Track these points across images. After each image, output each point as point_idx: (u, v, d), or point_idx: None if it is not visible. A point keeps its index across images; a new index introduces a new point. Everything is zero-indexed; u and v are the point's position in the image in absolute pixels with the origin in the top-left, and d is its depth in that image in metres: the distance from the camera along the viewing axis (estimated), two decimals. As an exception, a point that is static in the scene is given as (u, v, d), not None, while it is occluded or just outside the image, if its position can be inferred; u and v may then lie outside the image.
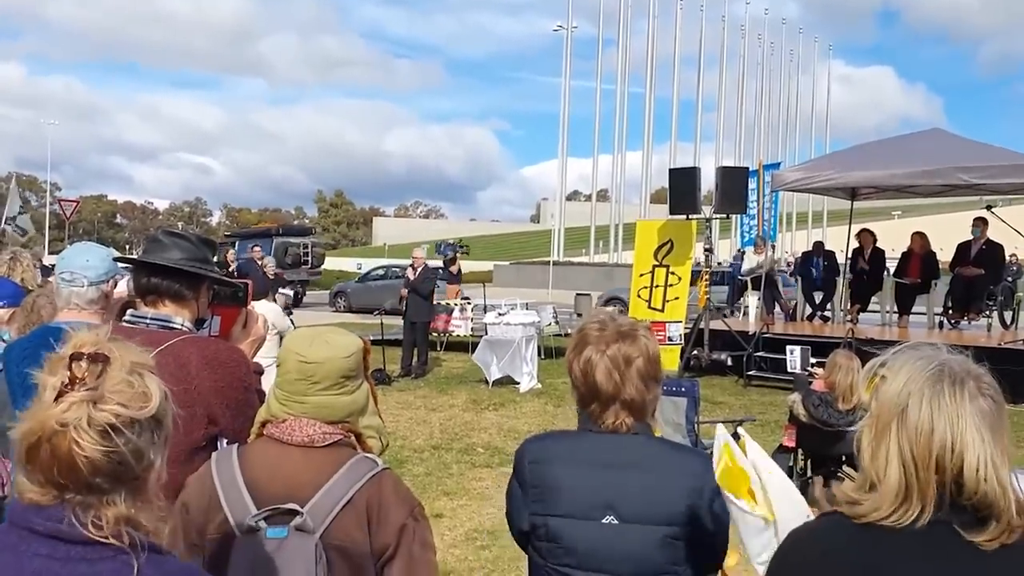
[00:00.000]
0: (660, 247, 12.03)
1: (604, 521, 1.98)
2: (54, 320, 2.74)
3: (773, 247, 16.62)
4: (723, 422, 8.30)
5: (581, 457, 2.03)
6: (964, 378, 1.38)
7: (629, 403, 2.02)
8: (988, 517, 1.33)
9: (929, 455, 1.34)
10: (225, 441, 2.28)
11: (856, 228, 14.42)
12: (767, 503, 1.91)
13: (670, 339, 11.66)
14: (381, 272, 28.37)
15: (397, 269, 27.79)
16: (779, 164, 16.44)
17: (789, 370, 7.91)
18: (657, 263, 11.98)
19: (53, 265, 3.06)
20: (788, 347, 8.07)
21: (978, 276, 12.70)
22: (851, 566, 1.39)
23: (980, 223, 12.92)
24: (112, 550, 1.25)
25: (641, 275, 12.25)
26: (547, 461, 2.06)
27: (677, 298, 11.96)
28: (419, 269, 12.60)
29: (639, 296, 12.09)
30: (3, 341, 3.37)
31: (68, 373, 1.27)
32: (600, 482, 2.00)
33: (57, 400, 1.25)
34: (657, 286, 11.99)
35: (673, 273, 11.92)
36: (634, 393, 2.02)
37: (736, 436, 1.96)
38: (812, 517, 1.89)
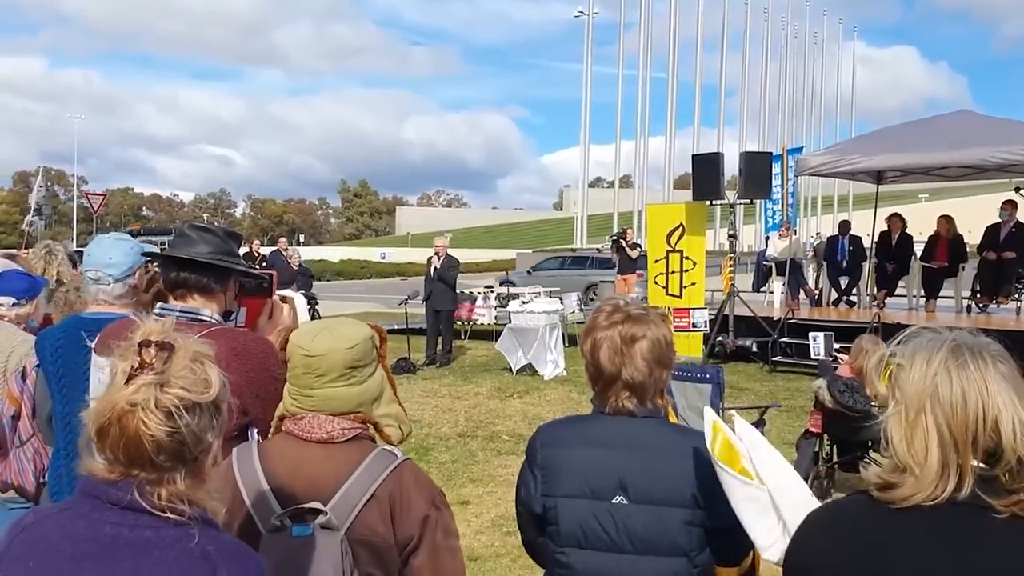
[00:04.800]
0: (672, 231, 11.95)
1: (614, 501, 1.98)
2: (85, 310, 2.76)
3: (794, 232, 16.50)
4: (748, 408, 8.28)
5: (590, 438, 2.04)
6: (979, 348, 1.40)
7: (630, 384, 2.02)
8: (1020, 488, 1.33)
9: (966, 428, 1.35)
10: (256, 431, 2.32)
11: (882, 212, 14.26)
12: (759, 479, 1.85)
13: (694, 325, 11.62)
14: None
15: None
16: (801, 148, 16.25)
17: (812, 356, 7.87)
18: (671, 248, 11.91)
19: (81, 253, 3.07)
20: (811, 334, 8.02)
21: (1007, 259, 12.52)
22: (864, 545, 1.39)
23: (1008, 206, 12.76)
24: (174, 521, 1.37)
25: (656, 261, 12.17)
26: (557, 443, 2.08)
27: (694, 283, 11.87)
28: (442, 257, 12.59)
29: (656, 283, 12.04)
30: (31, 329, 3.42)
31: (138, 358, 1.38)
32: (609, 463, 2.00)
33: (127, 383, 1.37)
34: (673, 272, 11.92)
35: (687, 258, 11.83)
36: (635, 374, 2.01)
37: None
38: (812, 495, 1.88)
